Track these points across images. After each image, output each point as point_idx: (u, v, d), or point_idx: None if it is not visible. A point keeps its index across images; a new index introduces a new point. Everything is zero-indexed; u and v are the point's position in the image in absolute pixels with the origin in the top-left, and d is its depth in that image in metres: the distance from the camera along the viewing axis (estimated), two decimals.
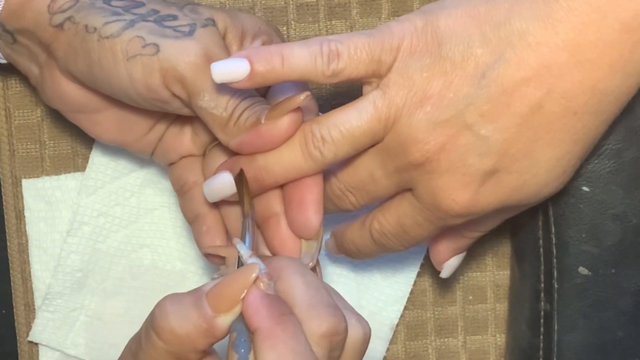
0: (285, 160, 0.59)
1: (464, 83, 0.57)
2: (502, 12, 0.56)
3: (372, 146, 0.59)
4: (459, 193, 0.58)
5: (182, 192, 0.64)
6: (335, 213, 0.63)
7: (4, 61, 0.63)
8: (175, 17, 0.59)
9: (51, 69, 0.61)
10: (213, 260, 0.61)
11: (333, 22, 0.69)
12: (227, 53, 0.59)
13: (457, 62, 0.57)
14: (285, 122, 0.58)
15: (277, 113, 0.58)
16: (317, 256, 0.60)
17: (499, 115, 0.56)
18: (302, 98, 0.57)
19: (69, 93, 0.62)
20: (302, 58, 0.57)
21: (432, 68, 0.57)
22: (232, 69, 0.57)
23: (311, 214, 0.59)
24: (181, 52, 0.58)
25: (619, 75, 0.56)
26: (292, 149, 0.59)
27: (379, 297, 0.70)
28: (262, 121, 0.58)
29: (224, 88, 0.58)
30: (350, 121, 0.58)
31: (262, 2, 0.69)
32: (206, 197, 0.61)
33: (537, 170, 0.58)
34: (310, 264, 0.60)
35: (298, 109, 0.58)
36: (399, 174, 0.59)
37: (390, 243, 0.62)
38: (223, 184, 0.60)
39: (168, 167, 0.65)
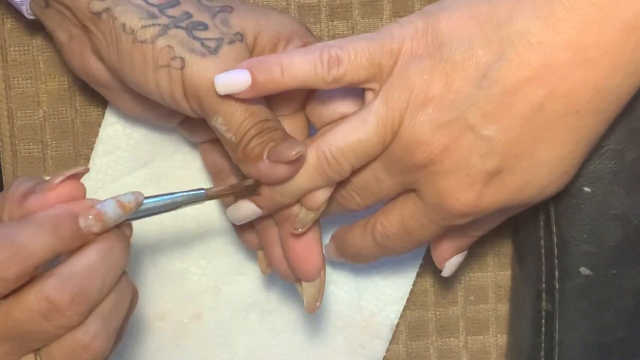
0: (303, 183, 0.60)
1: (465, 84, 0.57)
2: (503, 13, 0.56)
3: None
4: (463, 193, 0.58)
5: (218, 178, 0.66)
6: (340, 213, 0.63)
7: (31, 17, 0.63)
8: (205, 27, 0.59)
9: (82, 45, 0.61)
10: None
11: (335, 23, 0.69)
12: None
13: (458, 64, 0.57)
14: (283, 170, 0.59)
15: (277, 154, 0.58)
16: (308, 226, 0.61)
17: (501, 115, 0.56)
18: (294, 154, 0.57)
19: (96, 71, 0.62)
20: (301, 66, 0.58)
21: (433, 70, 0.57)
22: (234, 80, 0.57)
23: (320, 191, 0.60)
24: (202, 73, 0.58)
25: (620, 74, 0.56)
26: (309, 174, 0.60)
27: (379, 297, 0.70)
28: (264, 156, 0.58)
29: (236, 112, 0.58)
30: (359, 136, 0.58)
31: (264, 3, 0.68)
32: (231, 221, 0.63)
33: (540, 169, 0.58)
34: (300, 230, 0.61)
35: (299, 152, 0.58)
36: (402, 176, 0.59)
37: (393, 245, 0.62)
38: (248, 211, 0.61)
39: (198, 144, 0.66)
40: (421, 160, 0.58)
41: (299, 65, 0.58)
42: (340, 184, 0.61)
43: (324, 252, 0.67)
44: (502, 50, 0.56)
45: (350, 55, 0.58)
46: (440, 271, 0.66)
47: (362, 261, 0.65)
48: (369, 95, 0.59)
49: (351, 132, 0.59)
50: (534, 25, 0.56)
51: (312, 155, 0.59)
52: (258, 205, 0.61)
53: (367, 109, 0.59)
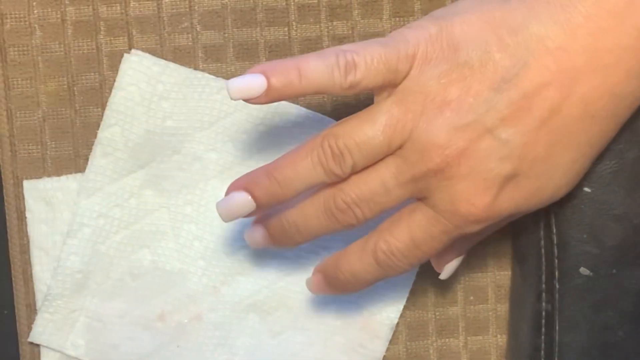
0: (304, 173, 0.59)
1: (483, 88, 0.56)
2: (518, 17, 0.56)
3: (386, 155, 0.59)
4: (479, 198, 0.57)
5: None
6: (333, 232, 0.61)
7: None
8: None
9: None
10: None
11: (334, 23, 0.69)
12: None
13: (475, 68, 0.56)
14: None
15: None
16: None
17: (519, 119, 0.56)
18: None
19: None
20: (319, 71, 0.57)
21: (450, 74, 0.57)
22: (248, 85, 0.57)
23: None
24: None
25: (635, 80, 0.57)
26: (312, 165, 0.59)
27: (379, 297, 0.70)
28: None
29: None
30: (366, 132, 0.58)
31: (264, 3, 0.68)
32: (220, 217, 0.61)
33: (554, 173, 0.58)
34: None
35: None
36: (414, 183, 0.58)
37: (397, 263, 0.60)
38: (241, 203, 0.60)
39: None
40: (437, 164, 0.57)
41: (316, 70, 0.57)
42: (338, 196, 0.59)
43: (306, 286, 0.65)
44: (520, 54, 0.56)
45: (366, 61, 0.57)
46: (438, 273, 0.66)
47: (354, 288, 0.63)
48: (379, 97, 0.59)
49: (359, 128, 0.58)
50: (551, 30, 0.56)
51: (317, 144, 0.58)
52: (253, 197, 0.60)
53: (379, 108, 0.58)
